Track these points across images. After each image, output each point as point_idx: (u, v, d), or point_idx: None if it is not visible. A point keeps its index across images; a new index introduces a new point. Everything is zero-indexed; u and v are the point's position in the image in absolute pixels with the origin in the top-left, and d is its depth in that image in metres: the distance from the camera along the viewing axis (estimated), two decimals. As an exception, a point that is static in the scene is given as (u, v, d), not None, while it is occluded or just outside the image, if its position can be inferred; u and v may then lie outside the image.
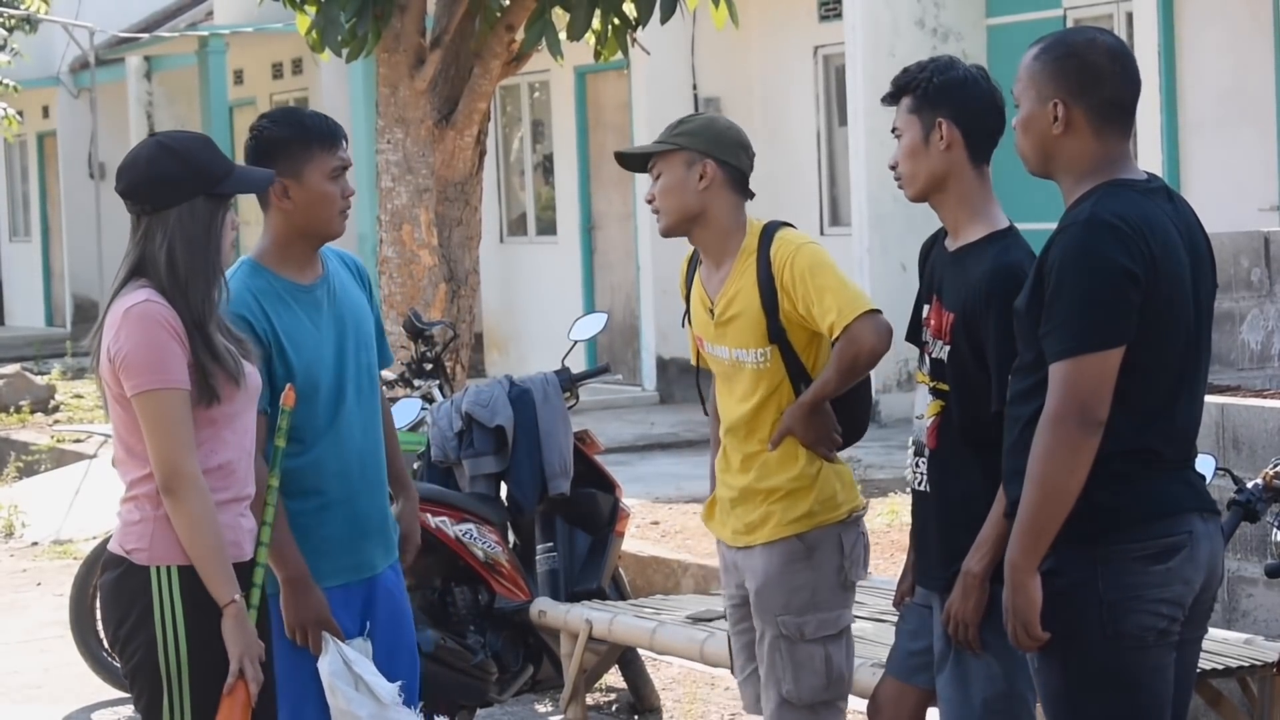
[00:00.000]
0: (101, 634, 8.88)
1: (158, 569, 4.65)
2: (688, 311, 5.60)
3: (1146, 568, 4.20)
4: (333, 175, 5.16)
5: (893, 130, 5.03)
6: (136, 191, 4.72)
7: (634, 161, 5.56)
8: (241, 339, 4.83)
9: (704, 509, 5.68)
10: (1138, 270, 4.15)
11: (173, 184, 4.69)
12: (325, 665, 5.05)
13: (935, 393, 4.94)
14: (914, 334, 5.09)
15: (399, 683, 5.12)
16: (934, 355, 4.94)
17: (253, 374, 4.81)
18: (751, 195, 5.48)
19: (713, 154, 5.40)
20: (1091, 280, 4.14)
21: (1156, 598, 4.21)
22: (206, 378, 4.66)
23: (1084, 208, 4.23)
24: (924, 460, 5.00)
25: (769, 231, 5.40)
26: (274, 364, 5.11)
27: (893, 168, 5.03)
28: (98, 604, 4.88)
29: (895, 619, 6.68)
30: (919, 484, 5.03)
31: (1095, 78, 4.29)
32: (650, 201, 5.45)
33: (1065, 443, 4.13)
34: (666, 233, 5.48)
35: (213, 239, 4.72)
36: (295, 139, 5.15)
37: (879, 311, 5.25)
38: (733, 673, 5.68)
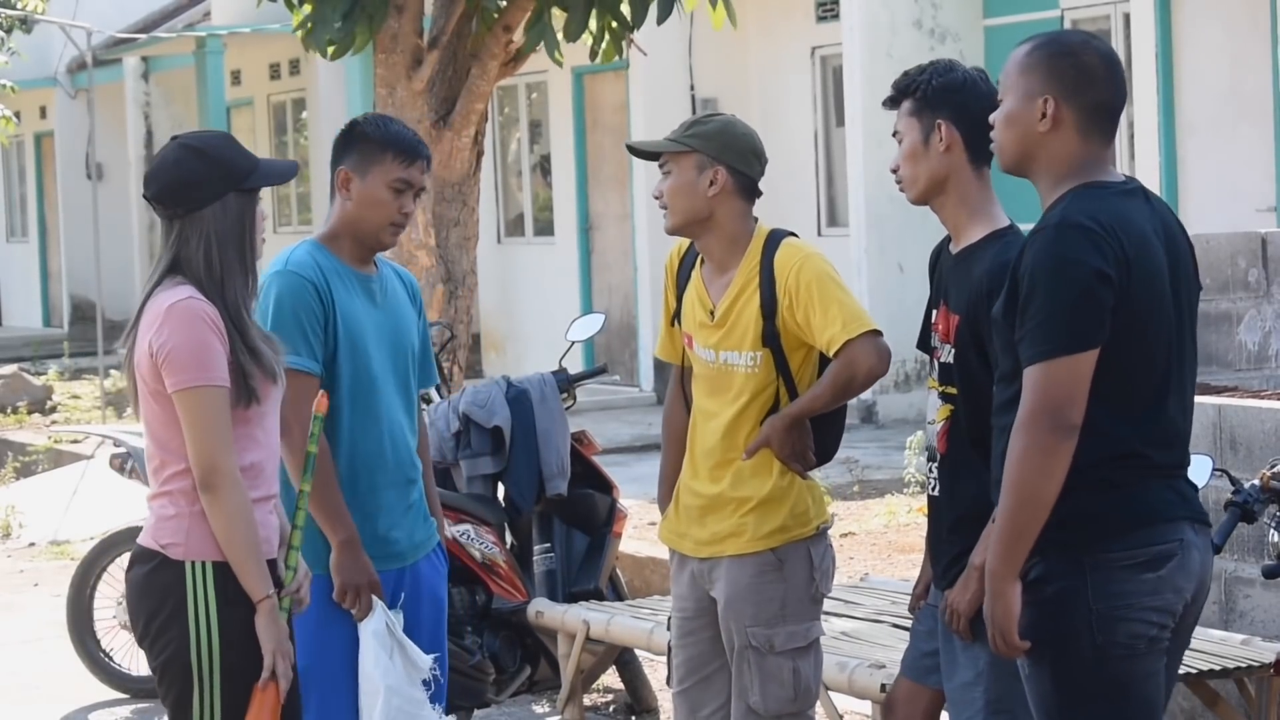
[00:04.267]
0: (99, 634, 8.90)
1: (192, 564, 4.69)
2: (678, 311, 5.57)
3: (1137, 575, 4.17)
4: (394, 186, 5.30)
5: (894, 134, 5.02)
6: (168, 195, 4.76)
7: (646, 153, 5.51)
8: (272, 339, 4.88)
9: (659, 528, 5.64)
10: (1110, 271, 4.12)
11: (202, 183, 4.74)
12: (369, 626, 5.13)
13: (944, 397, 4.94)
14: (924, 342, 5.08)
15: (435, 655, 5.21)
16: (942, 360, 4.94)
17: (283, 375, 4.87)
18: (759, 194, 5.47)
19: (725, 160, 5.34)
20: (1062, 283, 4.11)
21: (1147, 605, 4.18)
22: (246, 379, 4.71)
23: (1056, 211, 4.21)
24: (936, 465, 4.99)
25: (775, 238, 5.37)
26: (328, 332, 5.22)
27: (894, 171, 5.03)
28: (126, 597, 4.88)
29: (892, 620, 6.68)
30: (932, 489, 5.02)
31: (1089, 79, 4.27)
32: (658, 197, 5.41)
33: (1038, 447, 4.09)
34: (673, 232, 5.44)
35: (246, 234, 4.78)
36: (376, 139, 5.31)
37: (880, 333, 5.23)
38: (668, 684, 5.62)
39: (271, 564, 4.79)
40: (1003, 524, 4.17)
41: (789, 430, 5.26)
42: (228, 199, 4.75)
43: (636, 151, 5.53)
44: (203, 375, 4.64)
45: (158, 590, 4.72)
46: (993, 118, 4.41)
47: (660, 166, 5.41)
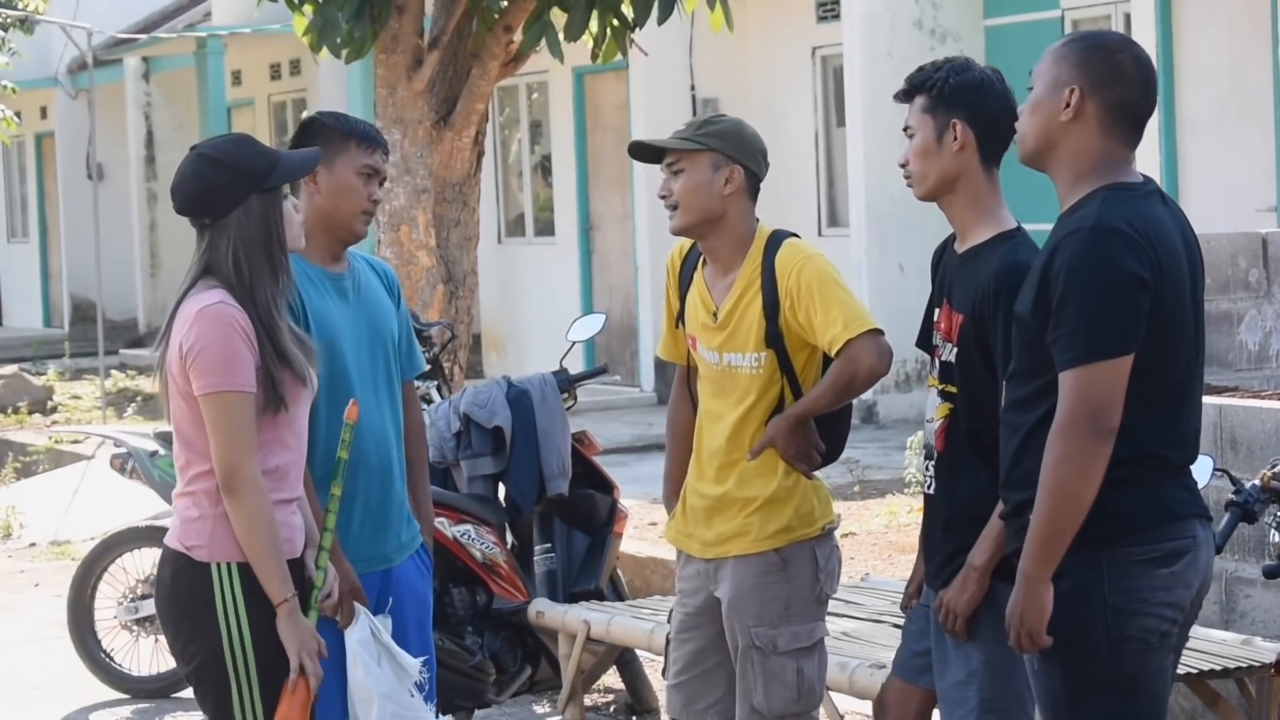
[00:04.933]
0: (99, 635, 8.89)
1: (218, 565, 4.73)
2: (681, 312, 5.57)
3: (1152, 571, 4.21)
4: (362, 172, 5.33)
5: (905, 129, 5.00)
6: (192, 207, 4.83)
7: (646, 152, 5.47)
8: (304, 339, 4.91)
9: (666, 528, 5.63)
10: (1147, 276, 4.15)
11: (223, 190, 4.79)
12: (353, 635, 5.10)
13: (944, 395, 4.94)
14: (924, 340, 5.08)
15: (423, 658, 5.17)
16: (943, 358, 4.94)
17: (313, 377, 4.89)
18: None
19: (740, 159, 5.34)
20: (1102, 287, 4.13)
21: (1161, 600, 4.23)
22: (275, 386, 4.76)
23: (1089, 211, 4.22)
24: (932, 463, 5.00)
25: (776, 239, 5.37)
26: None
27: (903, 165, 5.01)
28: (155, 599, 4.95)
29: (893, 620, 6.68)
30: (928, 487, 5.03)
31: (1116, 75, 4.29)
32: (665, 197, 5.37)
33: (1078, 451, 4.12)
34: (679, 232, 5.41)
35: (274, 234, 4.82)
36: (337, 129, 5.34)
37: (882, 332, 5.23)
38: (664, 676, 5.63)
39: (296, 564, 4.82)
40: (1040, 526, 4.19)
41: (793, 430, 5.26)
42: (250, 202, 4.80)
43: (636, 154, 5.51)
44: (228, 380, 4.69)
45: (184, 592, 4.77)
46: (1021, 106, 4.42)
47: (669, 166, 5.38)
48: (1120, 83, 4.29)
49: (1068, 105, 4.29)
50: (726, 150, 5.34)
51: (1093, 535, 4.19)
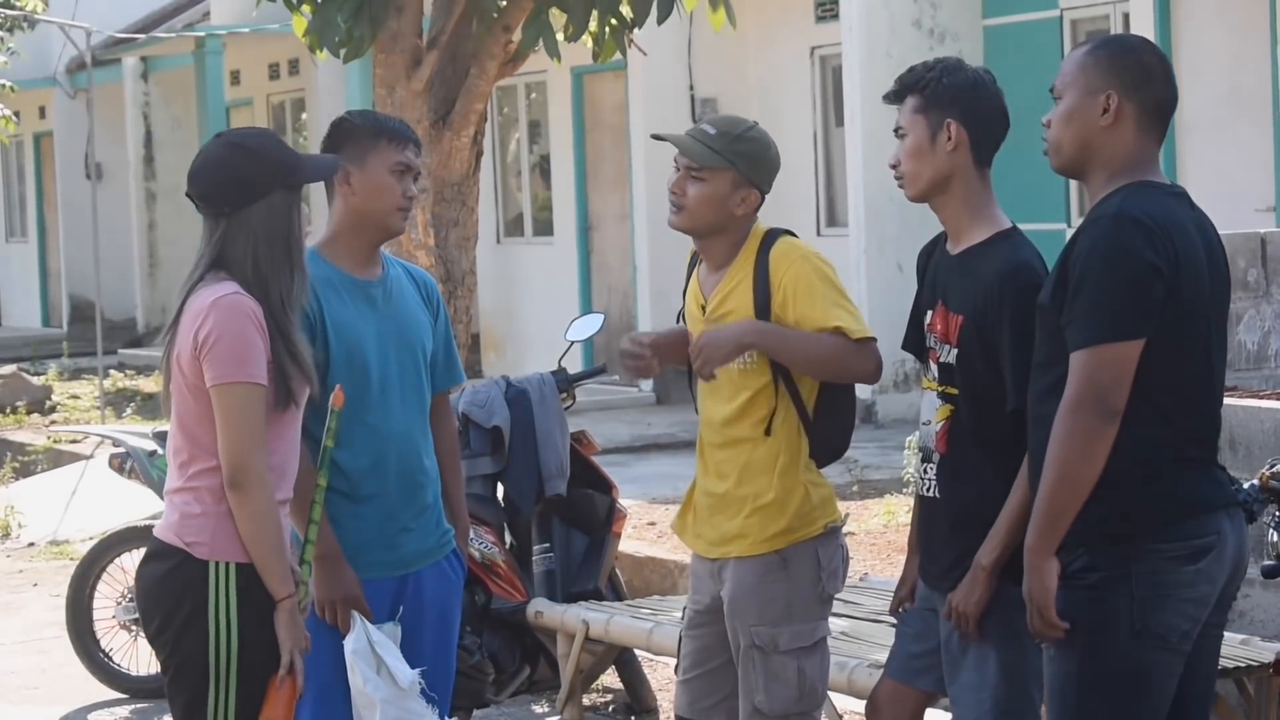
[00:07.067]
0: (98, 634, 8.89)
1: (216, 565, 4.69)
2: (683, 310, 5.58)
3: (1179, 567, 4.30)
4: (395, 169, 5.31)
5: (896, 129, 5.00)
6: (216, 193, 4.76)
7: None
8: (304, 341, 4.87)
9: (676, 518, 5.64)
10: (1162, 265, 4.25)
11: (251, 181, 4.74)
12: (350, 644, 5.09)
13: (944, 397, 4.93)
14: (910, 342, 5.07)
15: (419, 669, 5.14)
16: (942, 360, 4.92)
17: (315, 378, 4.87)
18: None
19: (759, 184, 5.35)
20: (1116, 272, 4.23)
21: (1186, 597, 4.31)
22: (286, 381, 4.72)
23: (1111, 203, 4.32)
24: (933, 466, 4.97)
25: (771, 236, 5.37)
26: (315, 347, 5.17)
27: (893, 166, 5.01)
28: (137, 593, 4.89)
29: (892, 620, 6.69)
30: (927, 490, 5.00)
31: (1149, 77, 4.41)
32: (677, 194, 5.35)
33: (1082, 430, 4.22)
34: (679, 229, 5.41)
35: (293, 232, 4.78)
36: (367, 128, 5.33)
37: (875, 340, 5.24)
38: (676, 673, 5.64)
39: None
40: (1042, 502, 4.29)
41: (733, 342, 5.19)
42: (274, 196, 4.75)
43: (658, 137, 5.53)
44: (242, 371, 4.65)
45: (177, 588, 4.72)
46: (1046, 118, 4.49)
47: (687, 167, 5.37)
48: (1152, 83, 4.42)
49: (1106, 111, 4.39)
50: (751, 174, 5.33)
51: (1121, 532, 4.29)
